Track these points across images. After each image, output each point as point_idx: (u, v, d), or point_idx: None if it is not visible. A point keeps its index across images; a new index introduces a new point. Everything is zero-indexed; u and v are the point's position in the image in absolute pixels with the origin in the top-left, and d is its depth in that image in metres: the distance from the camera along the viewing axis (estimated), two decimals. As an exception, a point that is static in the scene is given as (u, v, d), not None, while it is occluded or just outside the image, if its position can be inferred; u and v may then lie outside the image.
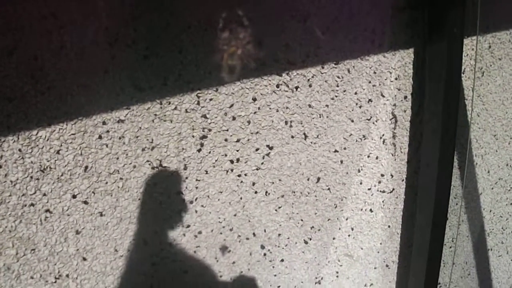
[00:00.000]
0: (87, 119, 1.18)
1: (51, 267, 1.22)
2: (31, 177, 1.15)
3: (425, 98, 1.64)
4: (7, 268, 1.17)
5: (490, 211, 2.18)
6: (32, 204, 1.16)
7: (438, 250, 1.77)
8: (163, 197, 1.32)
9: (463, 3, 1.53)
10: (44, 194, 1.17)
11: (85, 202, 1.22)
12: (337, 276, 1.71)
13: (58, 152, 1.16)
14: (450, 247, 2.04)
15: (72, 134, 1.17)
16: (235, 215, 1.43)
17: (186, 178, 1.33)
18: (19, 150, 1.12)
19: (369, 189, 1.68)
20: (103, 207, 1.25)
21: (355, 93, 1.54)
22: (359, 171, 1.63)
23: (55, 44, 1.10)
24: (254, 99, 1.36)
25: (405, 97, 1.65)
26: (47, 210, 1.18)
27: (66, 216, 1.21)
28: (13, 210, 1.14)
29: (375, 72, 1.56)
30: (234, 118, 1.34)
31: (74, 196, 1.21)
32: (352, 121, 1.56)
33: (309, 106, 1.46)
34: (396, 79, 1.61)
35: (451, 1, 1.50)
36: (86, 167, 1.20)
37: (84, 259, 1.26)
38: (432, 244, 1.72)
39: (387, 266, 1.83)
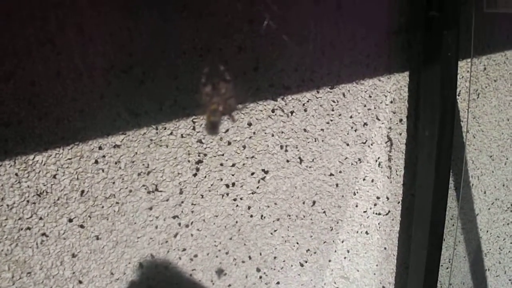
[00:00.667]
0: (83, 144, 1.18)
1: (47, 291, 1.22)
2: (28, 201, 1.15)
3: (421, 121, 1.65)
4: (3, 291, 1.17)
5: (487, 231, 2.19)
6: (28, 228, 1.16)
7: (434, 271, 1.78)
8: (159, 221, 1.32)
9: (457, 27, 1.54)
10: (41, 218, 1.17)
11: (81, 226, 1.22)
12: (333, 299, 1.71)
13: (54, 177, 1.16)
14: (447, 268, 2.04)
15: (69, 158, 1.17)
16: (230, 238, 1.44)
17: (182, 202, 1.33)
18: (16, 174, 1.12)
19: (364, 211, 1.69)
20: (99, 230, 1.25)
21: (351, 117, 1.55)
22: (354, 194, 1.64)
23: (52, 70, 1.10)
24: (250, 124, 1.37)
25: (401, 120, 1.66)
26: (44, 234, 1.18)
27: (62, 240, 1.21)
28: (9, 234, 1.14)
29: (370, 96, 1.57)
30: (229, 143, 1.35)
31: (70, 220, 1.20)
32: (348, 144, 1.57)
33: (304, 130, 1.47)
34: (391, 102, 1.62)
35: (445, 25, 1.52)
36: (83, 192, 1.21)
37: (80, 282, 1.26)
38: (428, 265, 1.73)
39: (383, 287, 1.83)
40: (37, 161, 1.14)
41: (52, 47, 1.09)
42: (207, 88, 0.93)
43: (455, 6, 1.53)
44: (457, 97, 1.83)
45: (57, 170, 1.17)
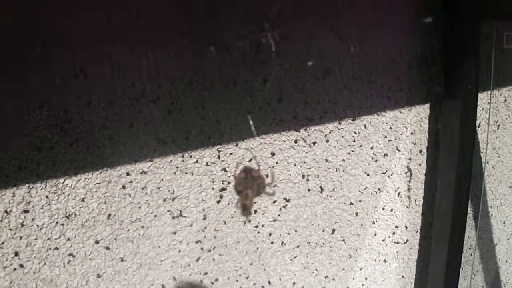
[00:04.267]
0: (111, 170, 1.21)
1: (72, 309, 1.25)
2: (57, 222, 1.18)
3: (440, 152, 1.67)
4: (30, 308, 1.20)
5: (506, 261, 2.18)
6: (56, 248, 1.19)
7: (451, 300, 1.78)
8: (182, 245, 1.34)
9: (478, 62, 1.56)
10: (68, 239, 1.20)
11: (107, 248, 1.25)
12: (350, 325, 1.72)
13: (83, 200, 1.20)
14: (465, 297, 2.04)
15: (97, 183, 1.20)
16: (251, 264, 1.46)
17: (205, 227, 1.36)
18: (46, 196, 1.15)
19: (383, 240, 1.70)
20: (124, 253, 1.27)
21: (371, 148, 1.57)
22: (373, 222, 1.66)
23: (84, 99, 1.14)
24: (273, 154, 1.40)
25: (421, 151, 1.68)
26: (71, 254, 1.21)
27: (89, 260, 1.24)
28: (38, 253, 1.17)
29: (391, 127, 1.59)
30: (252, 172, 1.37)
31: (97, 242, 1.23)
32: (368, 174, 1.59)
33: (326, 160, 1.50)
34: (411, 133, 1.64)
35: (466, 59, 1.54)
36: (109, 215, 1.23)
37: (105, 302, 1.29)
38: (446, 295, 1.74)
39: (400, 315, 1.84)
40: (67, 184, 1.17)
41: (84, 77, 1.13)
42: (241, 176, 0.99)
43: (475, 42, 1.55)
44: (477, 128, 1.84)
45: (86, 193, 1.20)
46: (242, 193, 1.00)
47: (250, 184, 0.99)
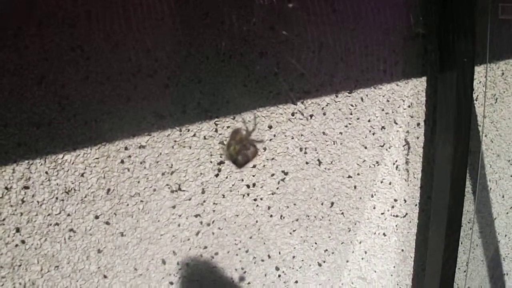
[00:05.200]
0: (110, 145, 1.22)
1: (74, 284, 1.26)
2: (57, 198, 1.19)
3: (438, 125, 1.67)
4: (32, 283, 1.20)
5: (506, 235, 2.19)
6: (57, 224, 1.20)
7: (451, 273, 1.79)
8: (182, 219, 1.35)
9: (473, 33, 1.56)
10: (69, 214, 1.21)
11: (107, 223, 1.26)
12: (350, 298, 1.73)
13: (82, 175, 1.21)
14: (464, 271, 2.05)
15: (96, 158, 1.21)
16: (250, 237, 1.47)
17: (204, 201, 1.37)
18: (46, 172, 1.16)
19: (382, 213, 1.71)
20: (124, 227, 1.29)
21: (369, 121, 1.58)
22: (372, 196, 1.66)
23: (81, 74, 1.14)
24: (270, 127, 1.41)
25: (418, 124, 1.68)
26: (71, 230, 1.22)
27: (89, 236, 1.25)
28: (39, 229, 1.18)
29: (388, 100, 1.59)
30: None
31: (96, 217, 1.24)
32: (366, 147, 1.59)
33: (323, 133, 1.50)
34: (409, 106, 1.64)
35: (461, 31, 1.53)
36: (109, 190, 1.24)
37: (105, 276, 1.30)
38: (445, 268, 1.74)
39: (400, 289, 1.85)
40: (66, 160, 1.18)
41: (81, 53, 1.14)
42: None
43: (470, 13, 1.54)
44: (475, 102, 1.84)
45: (85, 169, 1.21)
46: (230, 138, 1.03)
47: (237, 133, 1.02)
